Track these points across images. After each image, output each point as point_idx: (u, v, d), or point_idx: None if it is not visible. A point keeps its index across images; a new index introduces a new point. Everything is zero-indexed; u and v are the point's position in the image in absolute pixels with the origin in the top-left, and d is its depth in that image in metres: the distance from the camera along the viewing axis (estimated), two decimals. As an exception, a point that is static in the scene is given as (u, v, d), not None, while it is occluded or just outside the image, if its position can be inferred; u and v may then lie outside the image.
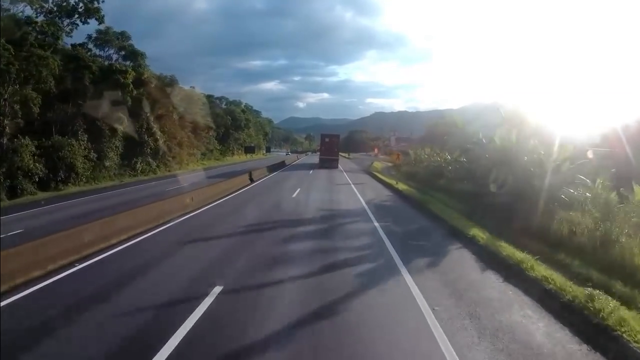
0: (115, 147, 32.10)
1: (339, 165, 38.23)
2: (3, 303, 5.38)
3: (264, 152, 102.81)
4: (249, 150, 65.91)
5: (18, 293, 5.75)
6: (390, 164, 46.89)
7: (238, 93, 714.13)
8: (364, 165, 44.87)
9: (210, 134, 57.21)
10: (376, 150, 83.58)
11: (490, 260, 7.69)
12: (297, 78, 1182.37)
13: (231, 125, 62.66)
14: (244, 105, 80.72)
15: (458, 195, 16.19)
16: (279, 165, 38.60)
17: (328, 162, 38.54)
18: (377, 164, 43.46)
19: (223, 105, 67.48)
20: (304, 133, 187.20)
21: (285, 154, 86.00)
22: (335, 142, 41.55)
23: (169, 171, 41.05)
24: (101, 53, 35.74)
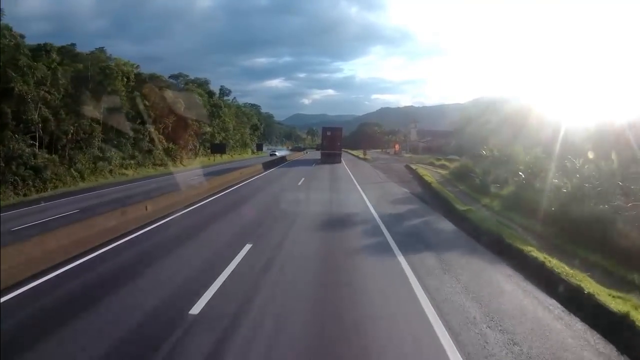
0: None
1: (362, 194, 15.47)
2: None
3: (254, 150, 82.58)
4: (217, 149, 45.58)
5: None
6: (443, 172, 25.88)
7: (244, 91, 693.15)
8: (401, 175, 23.64)
9: (149, 126, 37.20)
10: (397, 147, 62.62)
11: None
12: (302, 75, 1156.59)
13: (187, 115, 42.34)
14: (220, 89, 60.39)
15: None
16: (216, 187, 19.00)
17: (331, 157, 35.84)
18: (426, 174, 22.41)
19: (182, 85, 47.17)
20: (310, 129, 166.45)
21: (269, 153, 63.07)
22: (338, 135, 37.94)
23: (39, 192, 21.71)
24: None
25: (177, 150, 42.04)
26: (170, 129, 41.23)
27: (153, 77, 41.35)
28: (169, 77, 47.50)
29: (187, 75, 49.13)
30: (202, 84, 50.13)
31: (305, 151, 78.57)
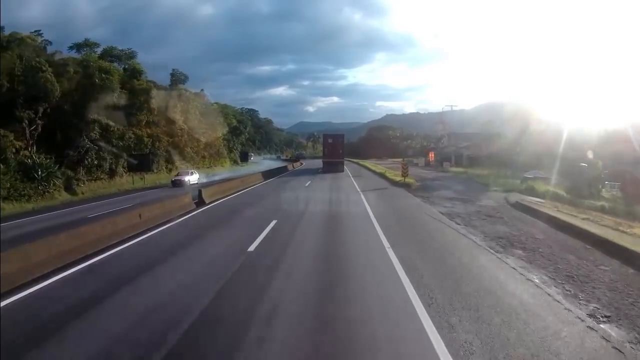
0: None
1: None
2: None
3: (239, 160, 64.04)
4: (142, 164, 26.75)
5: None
6: None
7: (248, 99, 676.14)
8: None
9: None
10: (432, 156, 43.53)
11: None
12: (306, 82, 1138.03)
13: (80, 108, 23.87)
14: (171, 73, 41.68)
15: None
16: None
17: (333, 165, 33.38)
18: None
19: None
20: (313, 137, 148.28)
21: (172, 179, 26.37)
22: (340, 143, 35.59)
23: None
24: None
25: (57, 165, 23.29)
26: (42, 129, 22.79)
27: (14, 41, 22.95)
28: (69, 47, 29.17)
29: (97, 44, 30.75)
30: (120, 57, 31.53)
31: (296, 162, 58.90)
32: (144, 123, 29.84)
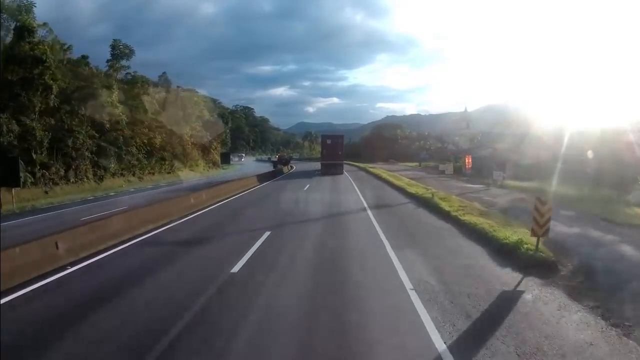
0: None
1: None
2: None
3: (219, 162, 53.33)
4: (5, 175, 15.75)
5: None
6: None
7: (249, 99, 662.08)
8: None
9: None
10: (469, 161, 32.79)
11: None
12: (306, 83, 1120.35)
13: None
14: (111, 45, 30.82)
15: None
16: None
17: (332, 167, 32.50)
18: None
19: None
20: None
21: None
22: (339, 144, 34.48)
23: None
24: None
25: None
26: None
27: None
28: None
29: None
30: (8, 10, 20.04)
31: (289, 167, 46.63)
32: (37, 110, 18.97)
